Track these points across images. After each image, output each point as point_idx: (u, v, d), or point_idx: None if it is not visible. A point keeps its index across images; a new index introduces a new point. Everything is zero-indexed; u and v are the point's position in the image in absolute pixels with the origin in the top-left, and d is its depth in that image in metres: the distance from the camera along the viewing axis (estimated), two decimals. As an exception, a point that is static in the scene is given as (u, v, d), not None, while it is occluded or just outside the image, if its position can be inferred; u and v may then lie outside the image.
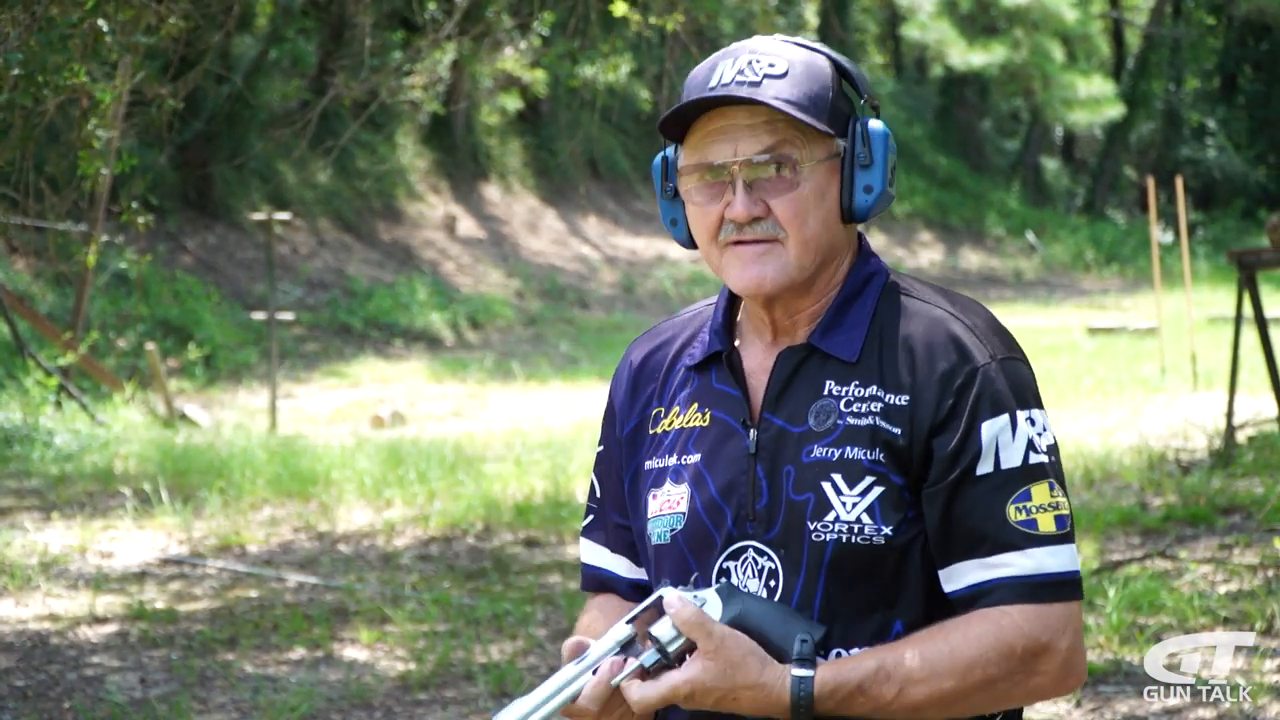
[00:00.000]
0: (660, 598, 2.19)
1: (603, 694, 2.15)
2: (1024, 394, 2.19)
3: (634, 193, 29.07)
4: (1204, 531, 8.11)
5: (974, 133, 36.38)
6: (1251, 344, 11.04)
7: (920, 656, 2.11)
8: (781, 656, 2.14)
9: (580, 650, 2.19)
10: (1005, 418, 2.17)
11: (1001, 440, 2.16)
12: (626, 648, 2.18)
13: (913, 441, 2.17)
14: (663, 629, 2.17)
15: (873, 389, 2.20)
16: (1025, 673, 2.13)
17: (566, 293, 24.19)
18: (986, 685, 2.12)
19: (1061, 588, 2.15)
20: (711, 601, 2.17)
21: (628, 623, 2.19)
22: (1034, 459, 2.16)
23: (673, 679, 2.11)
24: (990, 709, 2.17)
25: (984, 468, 2.15)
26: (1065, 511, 2.18)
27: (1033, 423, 2.18)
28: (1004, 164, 37.47)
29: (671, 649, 2.16)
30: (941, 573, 2.18)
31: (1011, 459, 2.16)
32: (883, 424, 2.18)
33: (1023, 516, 2.15)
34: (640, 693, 2.12)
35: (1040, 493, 2.16)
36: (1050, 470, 2.17)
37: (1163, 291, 17.94)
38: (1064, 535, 2.16)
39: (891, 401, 2.19)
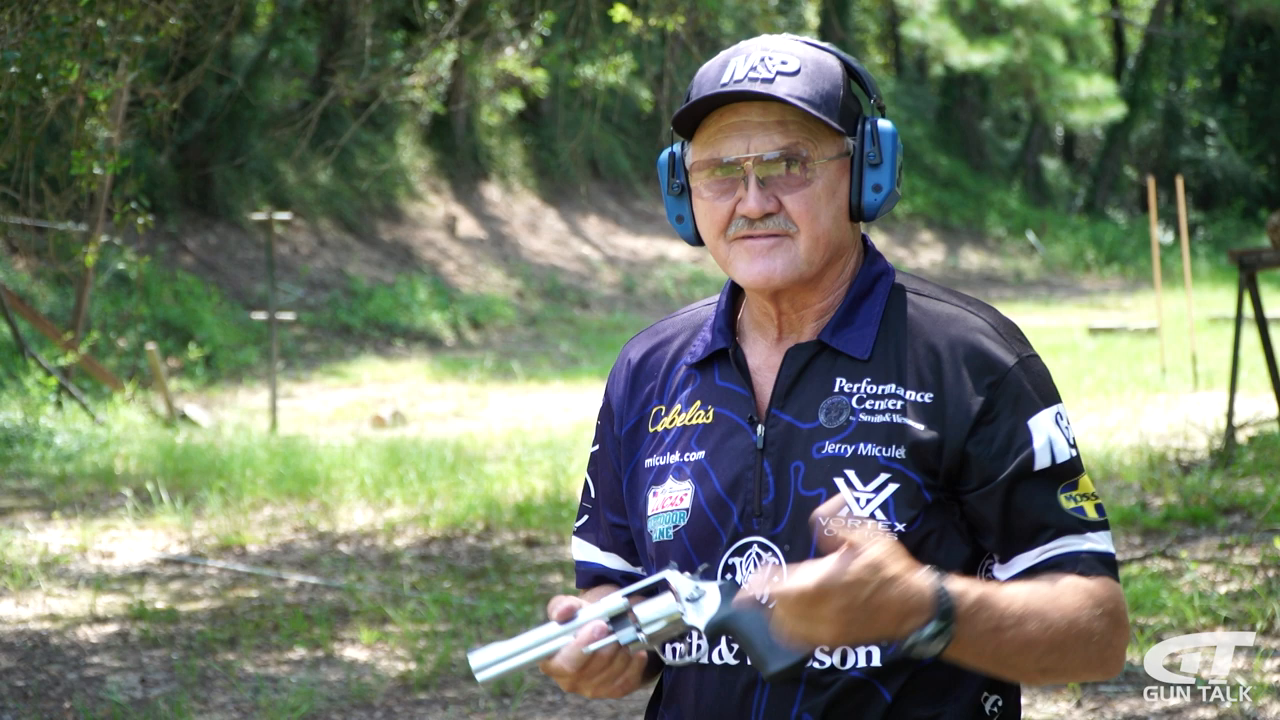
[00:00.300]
0: (663, 580, 2.20)
1: (579, 657, 2.16)
2: (1053, 390, 2.25)
3: (634, 193, 29.07)
4: (1204, 531, 8.11)
5: (974, 133, 36.38)
6: (1252, 344, 11.04)
7: (1030, 594, 2.11)
8: (760, 665, 2.13)
9: (570, 613, 2.19)
10: (1046, 413, 2.20)
11: (1051, 435, 2.19)
12: (616, 620, 2.18)
13: (945, 439, 2.18)
14: (646, 610, 2.18)
15: (890, 387, 2.22)
16: (1107, 640, 2.15)
17: (567, 293, 24.19)
18: (1085, 639, 2.13)
19: (1116, 569, 2.21)
20: (710, 595, 2.18)
21: (624, 596, 2.20)
22: (1074, 452, 2.22)
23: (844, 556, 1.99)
24: (1078, 671, 2.16)
25: (1041, 462, 2.18)
26: (1101, 500, 2.23)
27: (1061, 417, 2.23)
28: (1004, 164, 37.46)
29: (648, 630, 2.17)
30: (1000, 568, 2.21)
31: (1061, 453, 2.20)
32: (905, 421, 2.19)
33: (1074, 505, 2.19)
34: (791, 583, 1.99)
35: (1084, 483, 2.21)
36: (1082, 462, 2.23)
37: (1163, 291, 17.94)
38: (1106, 522, 2.22)
39: (914, 398, 2.20)
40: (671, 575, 2.20)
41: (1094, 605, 2.13)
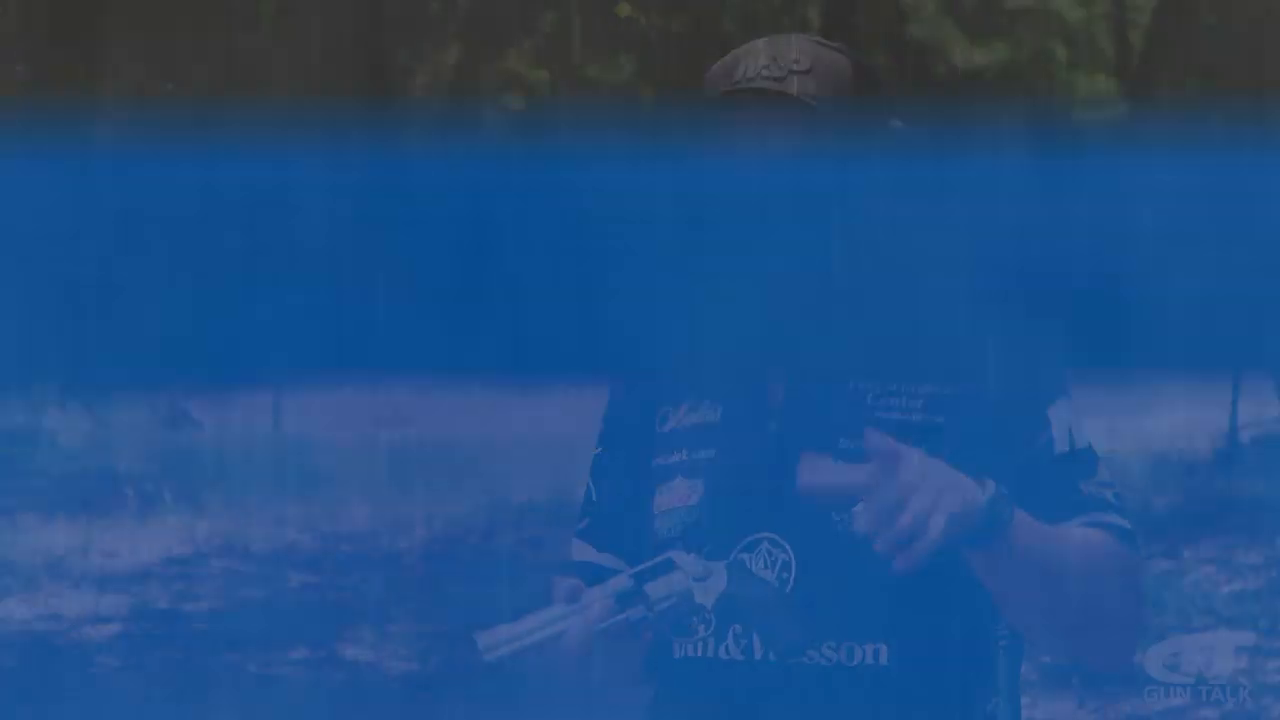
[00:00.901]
0: (669, 559, 2.20)
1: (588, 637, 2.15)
2: (1066, 381, 2.23)
3: (637, 192, 29.05)
4: (1206, 531, 8.10)
5: (977, 132, 36.38)
6: (1254, 343, 10.99)
7: (1068, 530, 2.08)
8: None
9: (576, 593, 2.18)
10: (1062, 402, 2.20)
11: (1070, 421, 2.18)
12: (623, 599, 2.18)
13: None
14: (656, 588, 2.17)
15: (905, 385, 2.21)
16: (1137, 601, 2.13)
17: (569, 292, 24.16)
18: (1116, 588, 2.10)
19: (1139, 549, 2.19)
20: (718, 574, 2.18)
21: (630, 576, 2.19)
22: (1089, 440, 2.21)
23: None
24: (1104, 625, 2.10)
25: (1060, 448, 2.16)
26: (1118, 489, 2.22)
27: (1073, 409, 2.21)
28: (1007, 163, 37.45)
29: (658, 609, 2.17)
30: None
31: (1080, 440, 2.18)
32: (924, 417, 2.19)
33: (1095, 489, 2.18)
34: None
35: (1102, 470, 2.19)
36: (1096, 451, 2.22)
37: (1166, 291, 17.85)
38: (1124, 509, 2.19)
39: (933, 391, 2.20)
40: (678, 555, 2.20)
41: (1131, 563, 2.11)
